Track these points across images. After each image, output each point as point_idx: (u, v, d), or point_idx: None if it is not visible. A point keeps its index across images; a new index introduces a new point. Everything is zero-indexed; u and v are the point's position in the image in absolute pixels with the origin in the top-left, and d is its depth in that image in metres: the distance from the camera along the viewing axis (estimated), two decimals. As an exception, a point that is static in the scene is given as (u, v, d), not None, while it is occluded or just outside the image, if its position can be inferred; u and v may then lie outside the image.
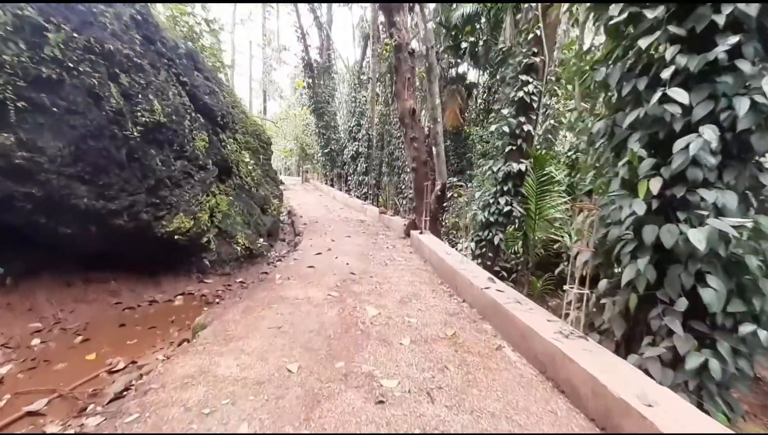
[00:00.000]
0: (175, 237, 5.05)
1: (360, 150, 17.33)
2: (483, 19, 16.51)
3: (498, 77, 15.70)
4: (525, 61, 6.66)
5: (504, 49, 13.92)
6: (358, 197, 16.70)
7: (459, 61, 18.59)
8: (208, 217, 5.60)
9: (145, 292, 5.14)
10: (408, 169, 9.12)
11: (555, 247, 9.36)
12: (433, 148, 8.29)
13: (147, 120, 4.43)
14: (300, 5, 19.90)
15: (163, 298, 5.10)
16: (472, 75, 19.95)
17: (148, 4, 5.15)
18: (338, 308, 4.17)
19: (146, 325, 4.36)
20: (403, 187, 16.53)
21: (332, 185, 22.97)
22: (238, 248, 6.05)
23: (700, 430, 1.92)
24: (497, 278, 5.36)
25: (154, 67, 4.85)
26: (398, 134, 17.18)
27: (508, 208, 6.92)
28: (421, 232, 7.80)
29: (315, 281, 5.15)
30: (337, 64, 28.15)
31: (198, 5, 9.30)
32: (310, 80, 21.88)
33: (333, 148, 22.65)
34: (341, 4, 22.94)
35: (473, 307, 4.40)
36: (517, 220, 7.74)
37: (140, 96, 4.42)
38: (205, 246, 5.62)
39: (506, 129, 6.83)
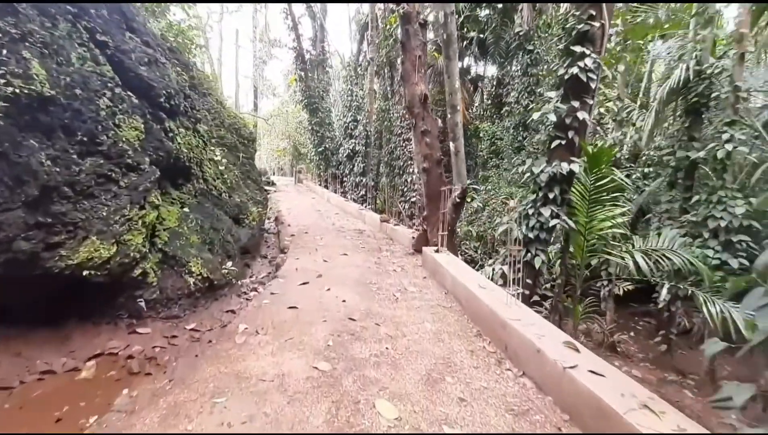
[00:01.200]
0: (85, 273, 3.33)
1: (357, 148, 15.63)
2: (491, 9, 14.97)
3: (511, 67, 14.14)
4: (579, 27, 4.99)
5: (521, 33, 12.33)
6: (354, 200, 15.02)
7: (464, 52, 17.02)
8: (143, 239, 3.88)
9: (41, 354, 3.41)
10: (417, 171, 7.44)
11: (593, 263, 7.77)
12: (451, 145, 6.63)
13: (18, 91, 2.71)
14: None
15: (66, 365, 3.37)
16: (474, 69, 18.38)
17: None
18: (329, 403, 2.49)
19: (9, 428, 2.64)
20: (404, 189, 14.87)
21: (326, 186, 21.25)
22: (192, 280, 4.34)
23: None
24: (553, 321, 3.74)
25: (44, 13, 3.12)
26: (399, 131, 15.52)
27: (555, 221, 5.26)
28: (437, 250, 6.13)
29: (296, 337, 3.46)
30: (333, 60, 26.49)
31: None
32: (302, 73, 20.14)
33: (327, 146, 20.92)
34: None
35: (545, 392, 2.74)
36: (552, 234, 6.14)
37: (5, 52, 2.70)
38: (139, 280, 3.90)
39: (553, 117, 5.18)
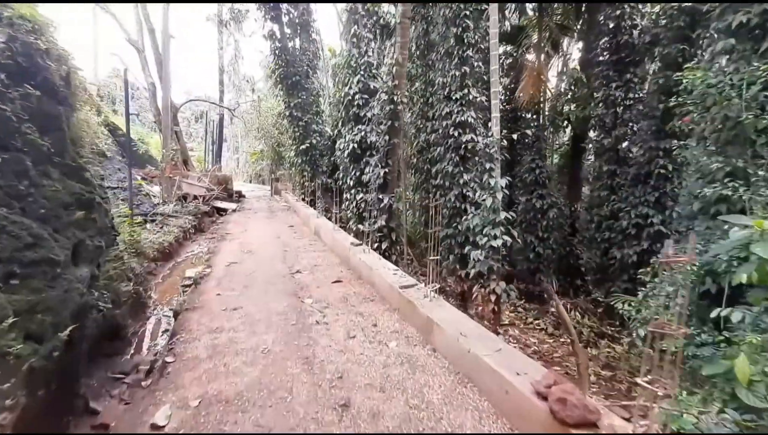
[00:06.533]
0: None
1: (370, 140, 8.20)
2: None
3: None
4: None
5: None
6: (365, 236, 7.44)
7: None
8: None
9: None
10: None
11: None
12: None
13: None
14: None
15: None
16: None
17: None
18: None
19: None
20: (455, 210, 7.52)
21: (313, 204, 13.62)
22: None
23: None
24: None
25: None
26: (445, 110, 8.23)
27: None
28: None
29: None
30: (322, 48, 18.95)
31: None
32: (276, 27, 12.65)
33: (314, 143, 13.39)
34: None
35: None
36: None
37: None
38: None
39: None
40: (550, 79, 11.51)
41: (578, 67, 10.76)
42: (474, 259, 6.58)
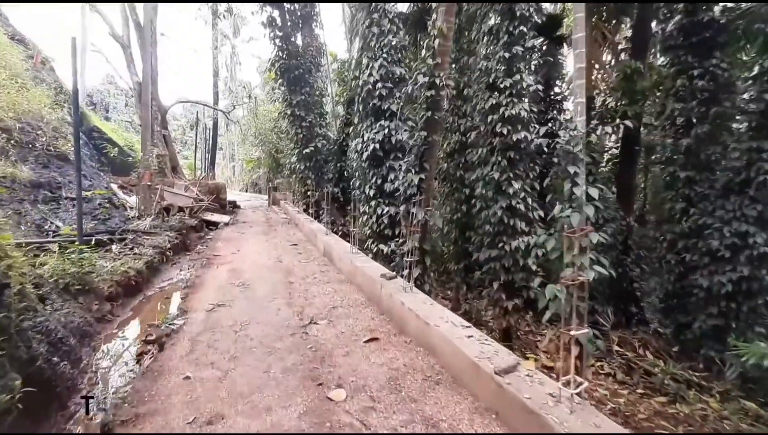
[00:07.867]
0: None
1: (398, 138, 6.45)
2: None
3: None
4: None
5: None
6: (402, 271, 5.61)
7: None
8: None
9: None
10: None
11: None
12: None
13: None
14: None
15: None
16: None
17: None
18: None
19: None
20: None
21: (317, 216, 11.79)
22: None
23: None
24: None
25: None
26: (490, 101, 6.50)
27: None
28: None
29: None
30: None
31: None
32: (275, 12, 10.99)
33: (319, 147, 11.65)
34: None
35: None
36: None
37: None
38: None
39: None
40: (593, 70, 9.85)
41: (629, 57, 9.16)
42: (549, 296, 4.79)
